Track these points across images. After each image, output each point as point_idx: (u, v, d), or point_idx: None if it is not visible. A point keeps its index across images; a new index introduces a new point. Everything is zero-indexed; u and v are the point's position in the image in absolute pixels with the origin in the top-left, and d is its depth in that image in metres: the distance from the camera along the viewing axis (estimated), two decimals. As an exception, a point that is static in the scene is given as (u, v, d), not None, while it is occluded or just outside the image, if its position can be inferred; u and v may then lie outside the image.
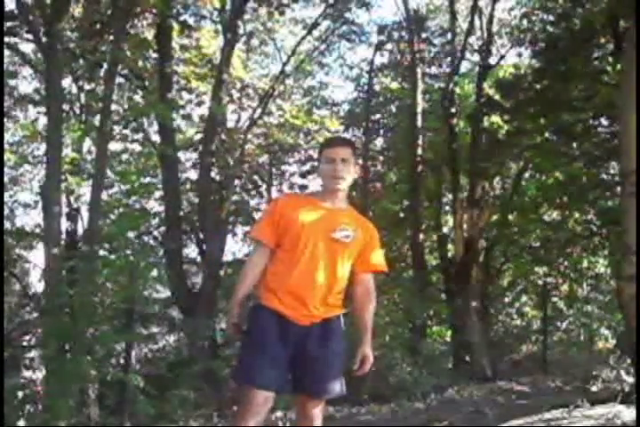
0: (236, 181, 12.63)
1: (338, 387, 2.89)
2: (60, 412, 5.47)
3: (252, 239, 3.09)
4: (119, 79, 10.38)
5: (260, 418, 2.74)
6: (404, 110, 14.15)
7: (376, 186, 14.72)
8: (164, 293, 10.04)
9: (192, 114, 12.94)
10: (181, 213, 10.82)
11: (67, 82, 10.67)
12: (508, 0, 13.41)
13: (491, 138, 11.43)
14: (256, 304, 2.92)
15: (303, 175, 14.63)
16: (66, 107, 10.25)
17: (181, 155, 12.34)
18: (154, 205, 13.05)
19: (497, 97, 10.82)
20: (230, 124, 12.99)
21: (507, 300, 14.21)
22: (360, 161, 14.10)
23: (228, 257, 12.05)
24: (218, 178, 11.24)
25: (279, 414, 6.16)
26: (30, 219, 14.10)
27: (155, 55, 10.72)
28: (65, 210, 9.83)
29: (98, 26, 9.64)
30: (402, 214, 14.12)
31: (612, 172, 9.97)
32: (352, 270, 2.98)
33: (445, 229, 12.63)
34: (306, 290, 2.84)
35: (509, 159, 11.92)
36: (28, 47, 10.66)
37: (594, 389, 6.67)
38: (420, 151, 12.32)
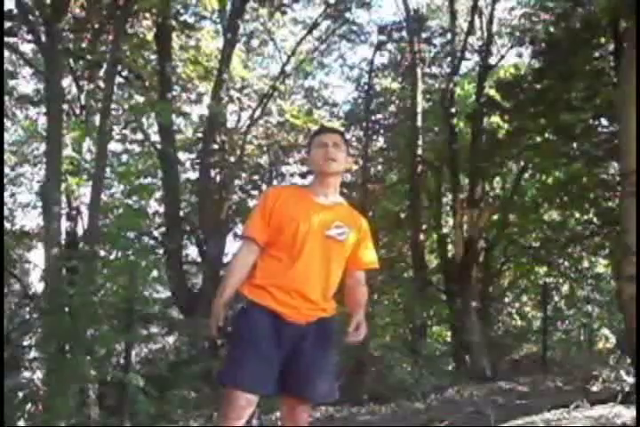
0: (236, 181, 12.62)
1: (330, 391, 2.75)
2: (60, 412, 5.47)
3: (247, 238, 2.81)
4: (119, 79, 10.39)
5: (242, 422, 2.60)
6: (404, 110, 14.15)
7: (376, 186, 14.70)
8: (164, 293, 10.04)
9: (192, 114, 12.96)
10: (181, 213, 10.82)
11: (67, 82, 10.68)
12: (508, 0, 13.46)
13: (491, 138, 11.43)
14: (245, 302, 2.75)
15: (303, 175, 14.61)
16: (66, 107, 10.25)
17: (181, 155, 12.33)
18: (154, 205, 13.04)
19: (497, 97, 10.81)
20: (230, 124, 12.98)
21: (507, 300, 14.22)
22: (360, 161, 14.17)
23: (227, 257, 12.04)
24: (218, 178, 11.23)
25: (279, 414, 6.13)
26: (30, 219, 14.09)
27: (155, 55, 10.72)
28: (65, 210, 9.83)
29: (97, 26, 9.65)
30: (402, 214, 14.12)
31: (611, 172, 9.96)
32: (345, 267, 2.85)
33: (445, 229, 12.62)
34: (303, 288, 2.70)
35: (509, 159, 11.91)
36: (28, 47, 10.68)
37: (594, 389, 6.64)
38: (420, 151, 12.32)
